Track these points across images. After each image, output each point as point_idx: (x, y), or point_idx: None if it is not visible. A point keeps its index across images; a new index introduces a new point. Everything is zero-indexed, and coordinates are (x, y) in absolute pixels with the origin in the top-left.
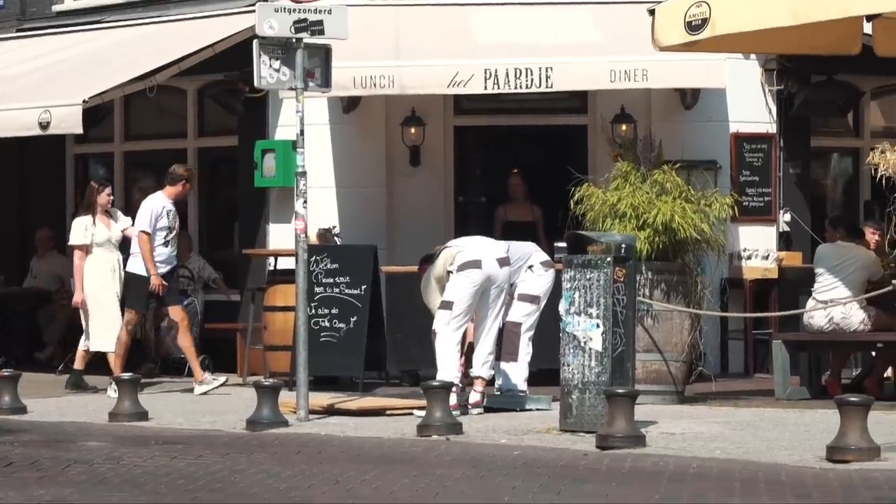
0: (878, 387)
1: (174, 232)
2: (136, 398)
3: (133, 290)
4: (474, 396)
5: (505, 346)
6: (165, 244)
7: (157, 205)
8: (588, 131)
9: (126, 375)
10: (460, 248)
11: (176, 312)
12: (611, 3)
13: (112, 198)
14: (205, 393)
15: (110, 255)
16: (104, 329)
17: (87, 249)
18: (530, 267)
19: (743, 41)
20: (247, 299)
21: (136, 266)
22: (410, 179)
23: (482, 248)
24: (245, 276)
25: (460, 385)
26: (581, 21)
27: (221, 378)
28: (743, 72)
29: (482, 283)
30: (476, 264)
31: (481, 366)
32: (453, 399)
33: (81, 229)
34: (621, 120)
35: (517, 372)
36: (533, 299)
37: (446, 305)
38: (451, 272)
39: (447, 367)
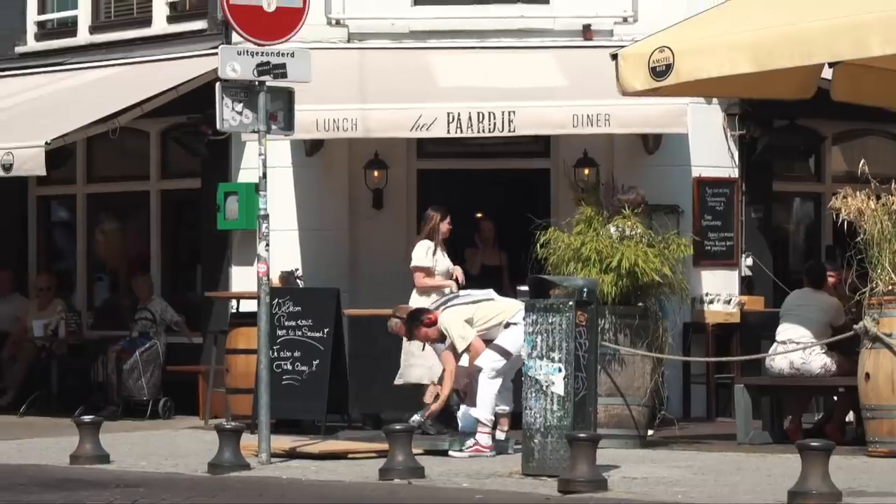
0: (840, 432)
1: None
2: (98, 441)
3: None
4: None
5: (471, 391)
6: None
7: None
8: (551, 175)
9: (87, 418)
10: (509, 303)
11: None
12: (574, 48)
13: (450, 227)
14: None
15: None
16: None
17: (429, 272)
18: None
19: (706, 86)
20: (209, 342)
21: None
22: (373, 222)
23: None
24: (207, 318)
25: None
26: (544, 65)
27: None
28: (705, 116)
29: None
30: None
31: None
32: (489, 440)
33: (423, 251)
34: (584, 164)
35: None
36: (504, 353)
37: (502, 352)
38: (514, 323)
39: (487, 407)
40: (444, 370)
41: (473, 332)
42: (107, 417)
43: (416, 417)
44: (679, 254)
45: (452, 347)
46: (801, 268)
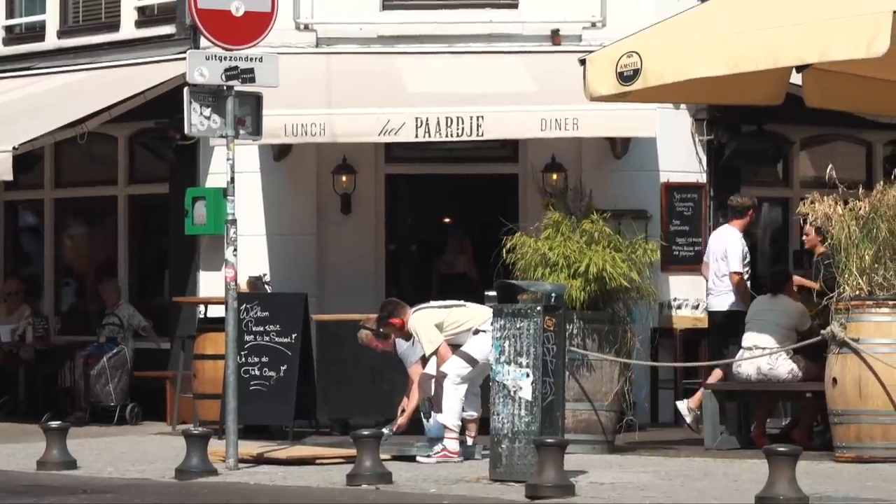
0: (807, 437)
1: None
2: (65, 447)
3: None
4: (469, 440)
5: (437, 397)
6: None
7: (739, 240)
8: (519, 180)
9: (55, 424)
10: (480, 310)
11: None
12: (542, 53)
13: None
14: None
15: None
16: None
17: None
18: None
19: (674, 91)
20: (177, 347)
21: (719, 304)
22: (341, 227)
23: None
24: (175, 323)
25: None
26: (513, 70)
27: None
28: (673, 121)
29: None
30: None
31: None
32: (456, 446)
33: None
34: (552, 169)
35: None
36: (470, 360)
37: (468, 359)
38: (483, 330)
39: (453, 412)
40: (411, 383)
41: (441, 337)
42: (74, 423)
43: (385, 430)
44: (646, 258)
45: (421, 359)
46: (768, 273)
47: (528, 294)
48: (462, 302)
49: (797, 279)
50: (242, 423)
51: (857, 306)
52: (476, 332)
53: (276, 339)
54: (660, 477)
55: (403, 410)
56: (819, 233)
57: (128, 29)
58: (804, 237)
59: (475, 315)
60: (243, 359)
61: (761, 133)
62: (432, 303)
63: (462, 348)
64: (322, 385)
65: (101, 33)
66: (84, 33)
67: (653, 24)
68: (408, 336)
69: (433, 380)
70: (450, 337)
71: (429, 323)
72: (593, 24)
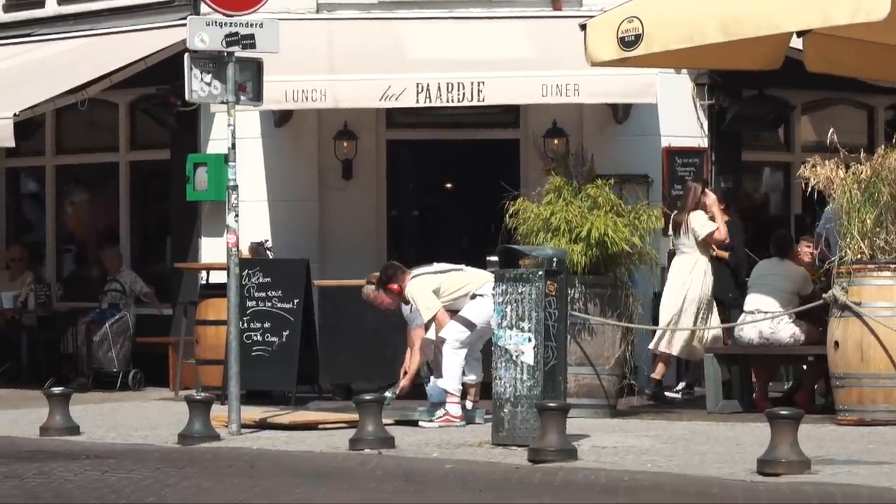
0: (809, 400)
1: None
2: (68, 412)
3: None
4: (469, 404)
5: (436, 363)
6: None
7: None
8: (520, 145)
9: (57, 390)
10: (477, 275)
11: None
12: (543, 18)
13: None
14: None
15: (699, 257)
16: (676, 333)
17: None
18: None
19: (675, 56)
20: (179, 313)
21: None
22: (343, 193)
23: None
24: (177, 289)
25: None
26: (513, 35)
27: None
28: (674, 86)
29: None
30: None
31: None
32: (458, 410)
33: (702, 219)
34: (553, 134)
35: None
36: (468, 324)
37: (467, 323)
38: (480, 294)
39: (453, 377)
40: (411, 344)
41: (439, 303)
42: (77, 389)
43: (388, 394)
44: (650, 225)
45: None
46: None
47: (530, 259)
48: (459, 266)
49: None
50: (245, 388)
51: (858, 270)
52: (473, 296)
53: (278, 304)
54: (662, 441)
55: (405, 373)
56: (722, 200)
57: None
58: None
59: (472, 279)
60: (245, 324)
61: (762, 97)
62: (429, 267)
63: (460, 313)
64: (324, 350)
65: (102, 0)
66: (84, 0)
67: None
68: (406, 301)
69: (433, 344)
70: (447, 302)
71: (426, 290)
72: None
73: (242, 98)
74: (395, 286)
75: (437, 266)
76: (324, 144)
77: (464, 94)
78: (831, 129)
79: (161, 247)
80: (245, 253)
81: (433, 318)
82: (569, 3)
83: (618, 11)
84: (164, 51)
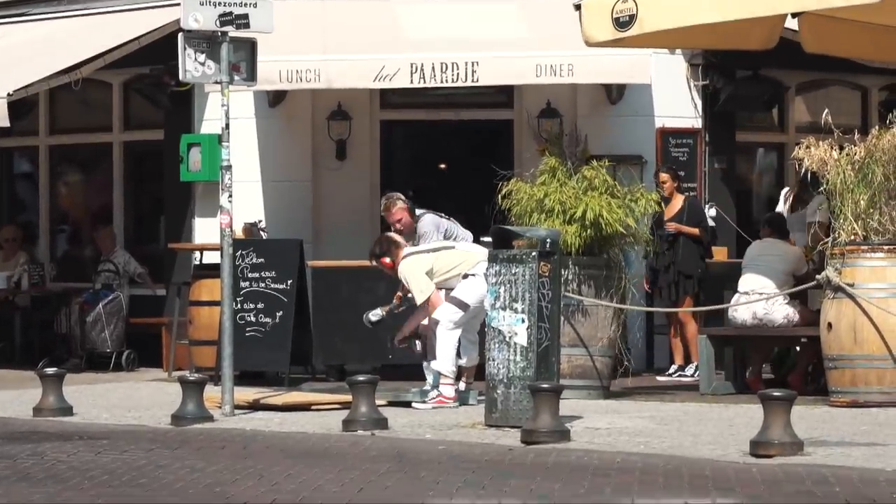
0: (802, 382)
1: None
2: (61, 393)
3: None
4: (462, 386)
5: (431, 344)
6: None
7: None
8: (514, 126)
9: (51, 370)
10: (468, 253)
11: None
12: None
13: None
14: None
15: None
16: None
17: None
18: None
19: (669, 36)
20: (172, 294)
21: None
22: (336, 174)
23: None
24: (170, 270)
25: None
26: (507, 16)
27: None
28: (668, 67)
29: None
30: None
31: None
32: (452, 391)
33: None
34: (547, 115)
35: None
36: (461, 305)
37: (460, 304)
38: (472, 274)
39: (447, 359)
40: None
41: (432, 285)
42: (70, 370)
43: (378, 310)
44: (648, 209)
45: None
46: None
47: (523, 240)
48: (451, 244)
49: (676, 226)
50: (238, 369)
51: (852, 251)
52: (465, 276)
53: (272, 285)
54: (655, 422)
55: (399, 297)
56: (676, 178)
57: None
58: (661, 185)
59: (465, 258)
60: (239, 305)
61: (756, 78)
62: (421, 246)
63: (453, 293)
64: (318, 331)
65: None
66: None
67: None
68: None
69: (427, 327)
70: (440, 282)
71: (419, 271)
72: None
73: (236, 78)
74: (388, 261)
75: (427, 244)
76: (318, 124)
77: (458, 74)
78: (825, 110)
79: (155, 227)
80: (239, 233)
81: (426, 301)
82: None
83: None
84: (157, 30)
